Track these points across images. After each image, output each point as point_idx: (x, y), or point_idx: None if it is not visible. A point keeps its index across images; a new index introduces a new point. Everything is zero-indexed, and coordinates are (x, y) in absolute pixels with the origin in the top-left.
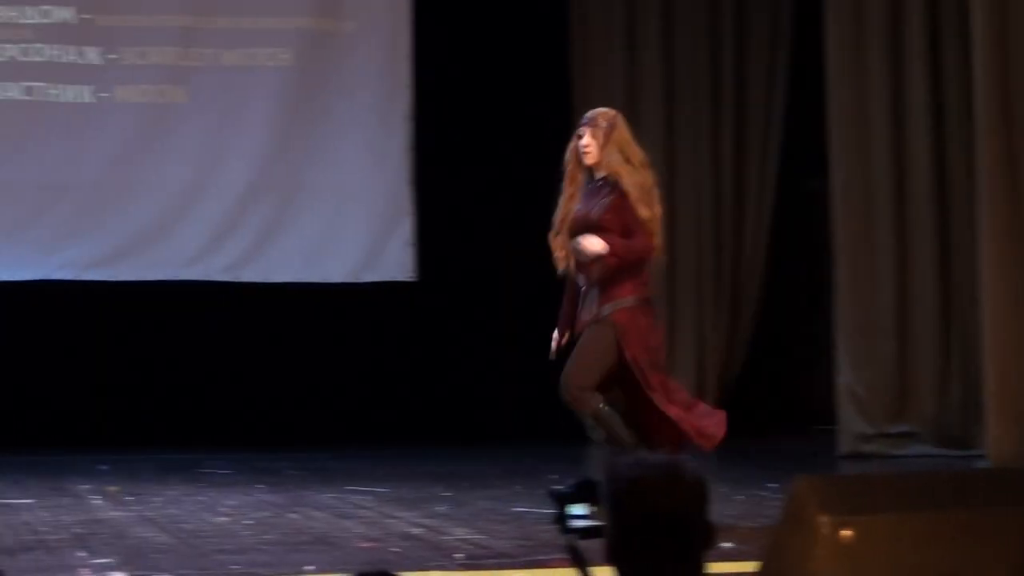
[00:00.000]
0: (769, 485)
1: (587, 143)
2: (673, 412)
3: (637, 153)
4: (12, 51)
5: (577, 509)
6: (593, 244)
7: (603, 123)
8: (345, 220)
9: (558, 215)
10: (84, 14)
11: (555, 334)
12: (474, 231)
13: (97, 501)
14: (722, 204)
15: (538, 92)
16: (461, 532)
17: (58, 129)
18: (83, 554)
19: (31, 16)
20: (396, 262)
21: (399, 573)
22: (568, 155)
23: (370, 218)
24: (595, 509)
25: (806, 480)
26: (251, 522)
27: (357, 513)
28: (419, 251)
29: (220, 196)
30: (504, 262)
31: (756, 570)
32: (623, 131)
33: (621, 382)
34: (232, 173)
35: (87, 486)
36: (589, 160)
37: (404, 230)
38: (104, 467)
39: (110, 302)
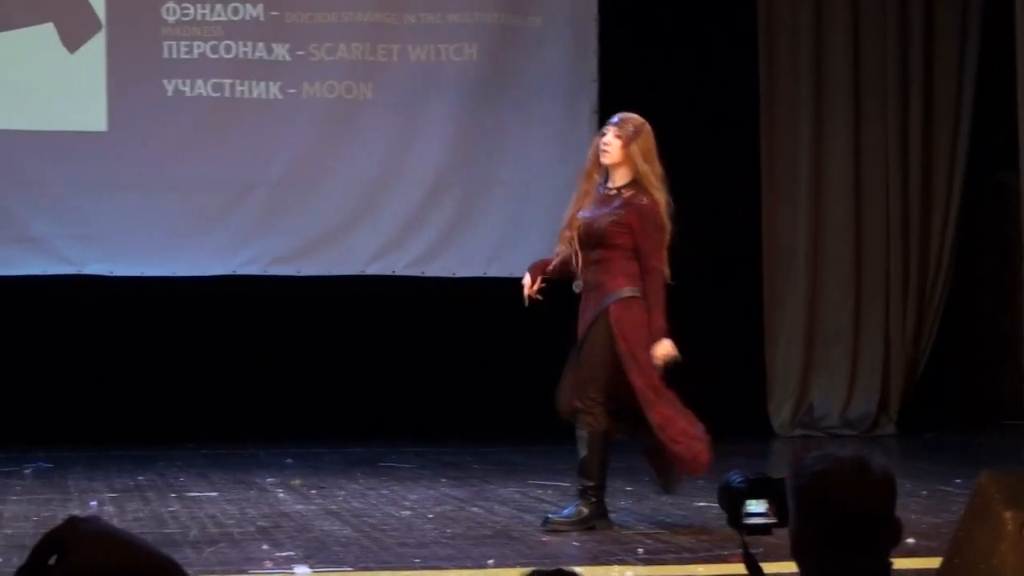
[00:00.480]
0: (955, 480)
1: (609, 141)
2: (660, 416)
3: (658, 168)
4: (202, 48)
5: (752, 506)
6: (667, 349)
7: (630, 127)
8: (530, 215)
9: (569, 211)
10: (273, 11)
11: (527, 279)
12: None
13: (282, 494)
14: (909, 198)
15: (724, 87)
16: (642, 527)
17: (246, 125)
18: (267, 547)
19: (220, 13)
20: None
21: (580, 568)
22: (591, 151)
23: (555, 212)
24: (770, 506)
25: (992, 475)
26: (433, 516)
27: (539, 507)
28: None
29: (405, 192)
30: (684, 259)
31: (941, 565)
32: (648, 141)
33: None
34: (417, 169)
35: (272, 479)
36: (607, 159)
37: None
38: (289, 461)
39: (293, 298)
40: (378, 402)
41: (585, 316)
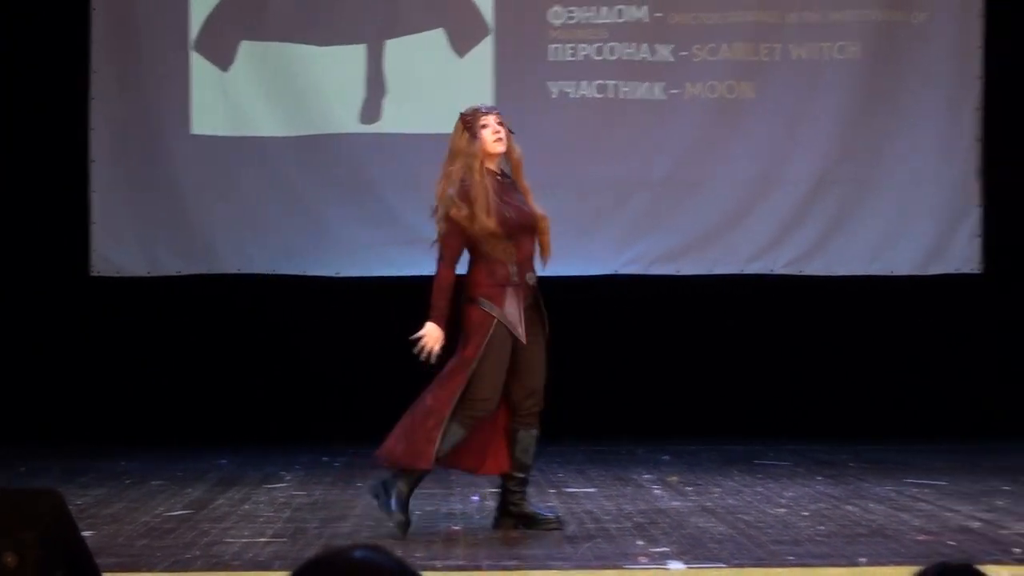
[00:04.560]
0: None
1: (499, 130)
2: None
3: None
4: (587, 50)
5: None
6: None
7: (500, 114)
8: (913, 213)
9: (488, 205)
10: (657, 12)
11: (431, 340)
12: None
13: (658, 491)
14: None
15: None
16: (1020, 527)
17: (629, 126)
18: (642, 543)
19: (605, 16)
20: (962, 254)
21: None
22: (474, 143)
23: (937, 210)
24: None
25: None
26: (808, 513)
27: (915, 506)
28: (985, 243)
29: (786, 191)
30: None
31: None
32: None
33: None
34: (798, 168)
35: (649, 476)
36: (502, 148)
37: (972, 222)
38: (666, 457)
39: (671, 298)
40: (753, 399)
41: (531, 312)
